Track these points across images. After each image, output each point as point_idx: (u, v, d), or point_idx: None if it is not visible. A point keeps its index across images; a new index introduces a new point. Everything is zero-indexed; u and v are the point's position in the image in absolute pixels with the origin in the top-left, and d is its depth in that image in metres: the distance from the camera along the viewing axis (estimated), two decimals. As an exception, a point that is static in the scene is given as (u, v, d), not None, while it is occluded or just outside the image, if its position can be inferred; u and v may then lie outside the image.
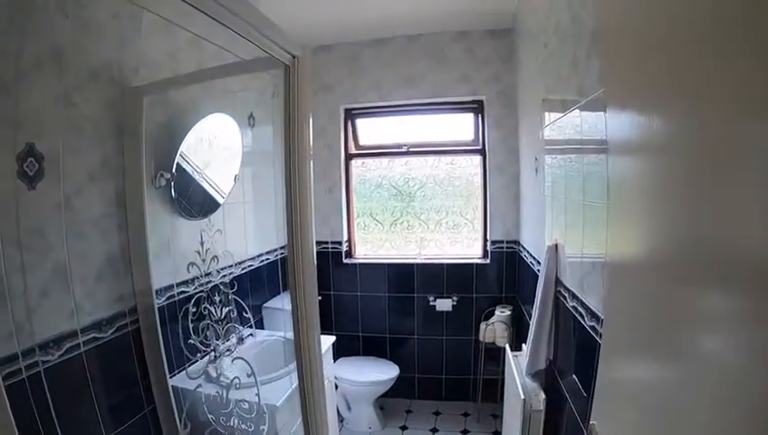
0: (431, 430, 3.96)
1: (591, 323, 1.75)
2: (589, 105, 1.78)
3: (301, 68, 1.85)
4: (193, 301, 2.29)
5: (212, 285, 2.35)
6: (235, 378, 2.22)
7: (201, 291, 2.35)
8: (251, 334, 2.77)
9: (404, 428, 4.02)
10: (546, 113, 2.64)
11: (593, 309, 1.75)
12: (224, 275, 2.41)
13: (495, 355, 3.98)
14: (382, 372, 3.89)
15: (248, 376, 2.22)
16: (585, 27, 1.81)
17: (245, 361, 2.28)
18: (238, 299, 2.40)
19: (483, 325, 3.95)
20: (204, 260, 2.32)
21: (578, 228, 2.01)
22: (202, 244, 2.32)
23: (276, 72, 1.86)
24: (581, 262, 1.96)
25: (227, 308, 2.33)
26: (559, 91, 2.27)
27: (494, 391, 4.10)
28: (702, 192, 0.78)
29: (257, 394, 2.20)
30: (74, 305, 1.77)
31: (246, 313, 2.49)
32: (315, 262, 2.07)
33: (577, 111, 1.95)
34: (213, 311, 2.27)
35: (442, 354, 4.33)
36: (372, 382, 3.81)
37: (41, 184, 1.61)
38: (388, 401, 4.29)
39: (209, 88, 2.66)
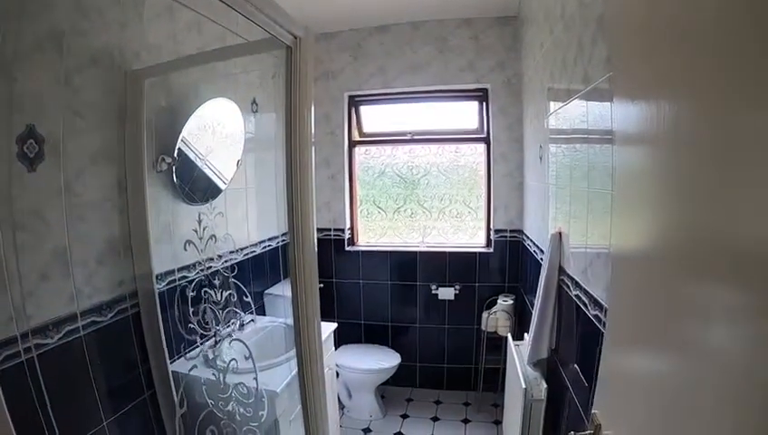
0: (432, 419, 3.96)
1: (595, 312, 1.75)
2: (594, 92, 1.77)
3: (303, 49, 1.83)
4: (193, 285, 2.29)
5: (213, 270, 2.35)
6: (232, 360, 2.22)
7: (202, 276, 2.34)
8: (252, 320, 2.76)
9: (405, 416, 4.02)
10: (551, 102, 2.62)
11: (597, 298, 1.74)
12: (225, 261, 2.40)
13: (497, 345, 3.98)
14: (384, 361, 3.89)
15: (246, 359, 2.22)
16: (592, 11, 1.79)
17: (243, 342, 2.27)
18: (238, 283, 2.39)
19: (485, 314, 3.94)
20: (201, 238, 2.30)
21: (582, 218, 2.01)
22: (200, 222, 2.31)
23: (279, 53, 1.85)
24: (585, 251, 1.95)
25: (227, 292, 2.31)
26: (564, 79, 2.25)
27: (495, 380, 4.10)
28: (709, 185, 0.78)
29: (255, 378, 2.20)
30: (74, 289, 1.76)
31: (246, 297, 2.49)
32: (316, 249, 2.06)
33: (583, 99, 1.94)
34: (213, 294, 2.26)
35: (444, 343, 4.33)
36: (374, 370, 3.81)
37: (41, 166, 1.60)
38: (390, 390, 4.31)
39: (211, 71, 2.65)
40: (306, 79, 1.86)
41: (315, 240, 2.04)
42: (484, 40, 3.92)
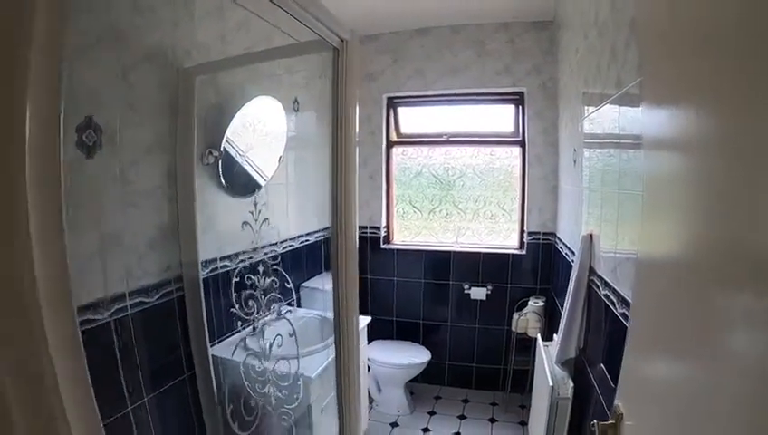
0: (459, 417, 4.01)
1: (622, 310, 1.78)
2: (626, 97, 1.80)
3: (349, 51, 1.89)
4: (237, 272, 2.38)
5: (255, 260, 2.43)
6: (277, 336, 2.30)
7: (247, 263, 2.45)
8: (289, 311, 2.83)
9: (432, 413, 4.08)
10: (585, 106, 2.65)
11: (624, 296, 1.77)
12: (266, 252, 2.48)
13: (526, 346, 4.00)
14: (414, 357, 3.95)
15: (290, 336, 2.30)
16: (625, 17, 1.82)
17: (288, 320, 2.38)
18: (280, 270, 2.47)
19: (516, 315, 3.98)
20: (257, 220, 2.40)
21: (613, 222, 2.03)
22: (255, 204, 2.41)
23: (327, 54, 1.91)
24: (615, 254, 1.98)
25: (270, 279, 2.40)
26: (598, 84, 2.28)
27: (523, 381, 4.13)
28: (737, 191, 0.77)
29: (296, 357, 2.29)
30: (125, 270, 1.87)
31: (288, 283, 2.56)
32: (357, 245, 2.13)
33: (615, 104, 1.97)
34: (256, 281, 2.34)
35: (474, 343, 4.37)
36: (404, 366, 3.87)
37: (98, 154, 1.71)
38: (418, 387, 4.37)
39: (257, 71, 2.74)
40: (352, 81, 1.92)
41: (357, 236, 2.11)
42: (520, 44, 3.96)
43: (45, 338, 0.62)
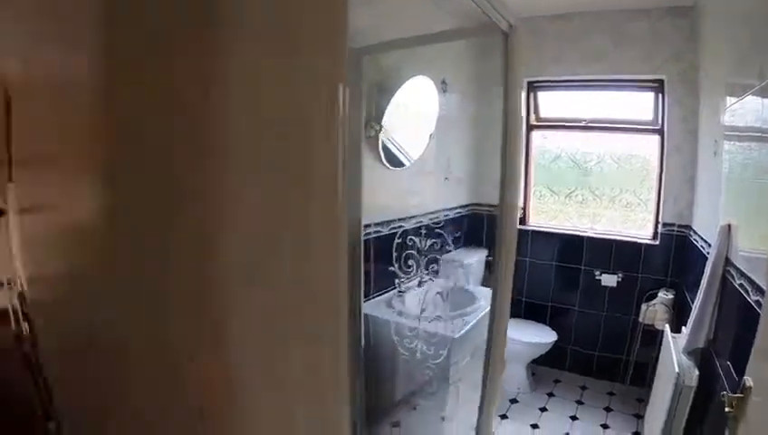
0: (576, 402, 4.07)
1: (756, 298, 1.79)
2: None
3: (517, 36, 1.97)
4: (398, 234, 2.59)
5: (410, 227, 2.64)
6: (437, 294, 2.50)
7: (406, 228, 2.67)
8: (431, 279, 2.94)
9: (551, 395, 4.17)
10: (727, 96, 2.61)
11: (759, 284, 1.78)
12: (417, 222, 2.67)
13: (651, 339, 3.98)
14: (541, 336, 4.04)
15: (462, 287, 2.49)
16: (768, 5, 1.81)
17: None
18: (441, 232, 2.63)
19: (644, 306, 3.96)
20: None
21: (751, 216, 2.05)
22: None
23: (480, 39, 2.00)
24: (752, 245, 1.99)
25: (432, 240, 2.59)
26: (740, 74, 2.26)
27: (643, 375, 4.10)
28: None
29: (456, 313, 2.46)
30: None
31: (449, 246, 2.72)
32: (517, 223, 2.24)
33: (757, 95, 1.95)
34: (417, 242, 2.54)
35: (598, 330, 4.37)
36: (531, 344, 3.97)
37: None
38: (539, 369, 4.45)
39: (413, 53, 2.92)
40: (519, 65, 2.00)
41: (518, 216, 2.21)
42: (660, 30, 3.86)
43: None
